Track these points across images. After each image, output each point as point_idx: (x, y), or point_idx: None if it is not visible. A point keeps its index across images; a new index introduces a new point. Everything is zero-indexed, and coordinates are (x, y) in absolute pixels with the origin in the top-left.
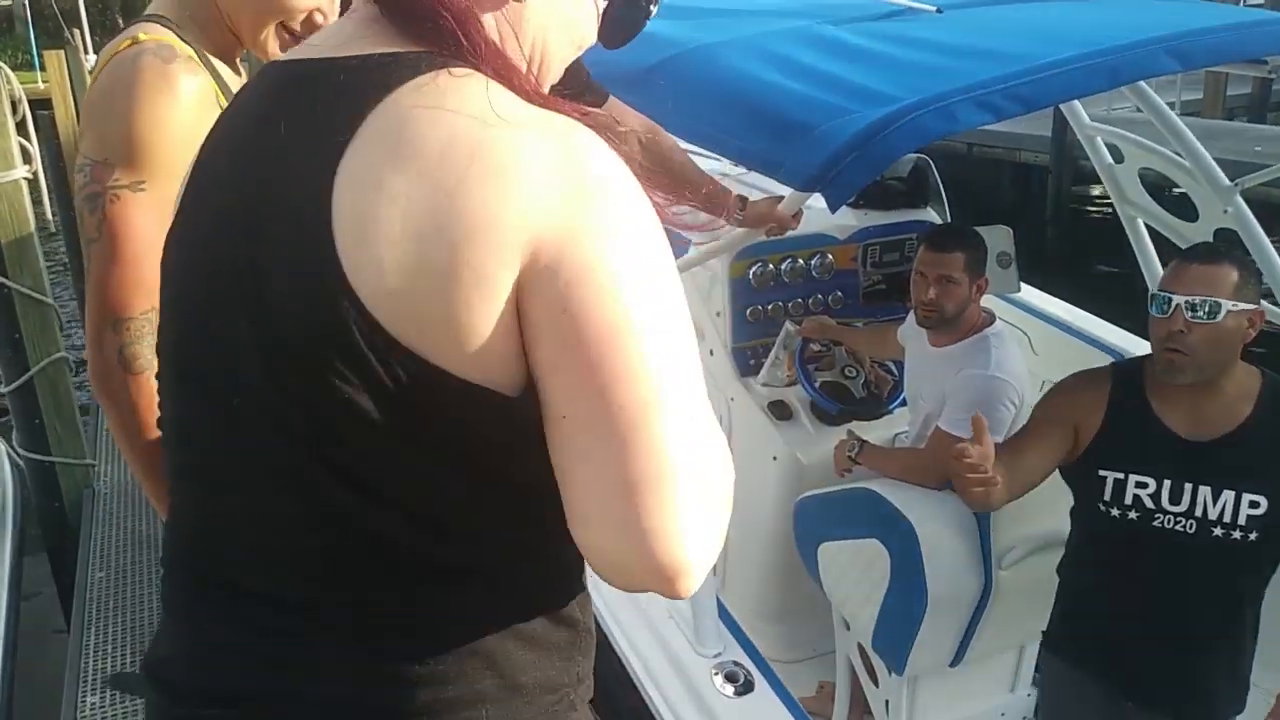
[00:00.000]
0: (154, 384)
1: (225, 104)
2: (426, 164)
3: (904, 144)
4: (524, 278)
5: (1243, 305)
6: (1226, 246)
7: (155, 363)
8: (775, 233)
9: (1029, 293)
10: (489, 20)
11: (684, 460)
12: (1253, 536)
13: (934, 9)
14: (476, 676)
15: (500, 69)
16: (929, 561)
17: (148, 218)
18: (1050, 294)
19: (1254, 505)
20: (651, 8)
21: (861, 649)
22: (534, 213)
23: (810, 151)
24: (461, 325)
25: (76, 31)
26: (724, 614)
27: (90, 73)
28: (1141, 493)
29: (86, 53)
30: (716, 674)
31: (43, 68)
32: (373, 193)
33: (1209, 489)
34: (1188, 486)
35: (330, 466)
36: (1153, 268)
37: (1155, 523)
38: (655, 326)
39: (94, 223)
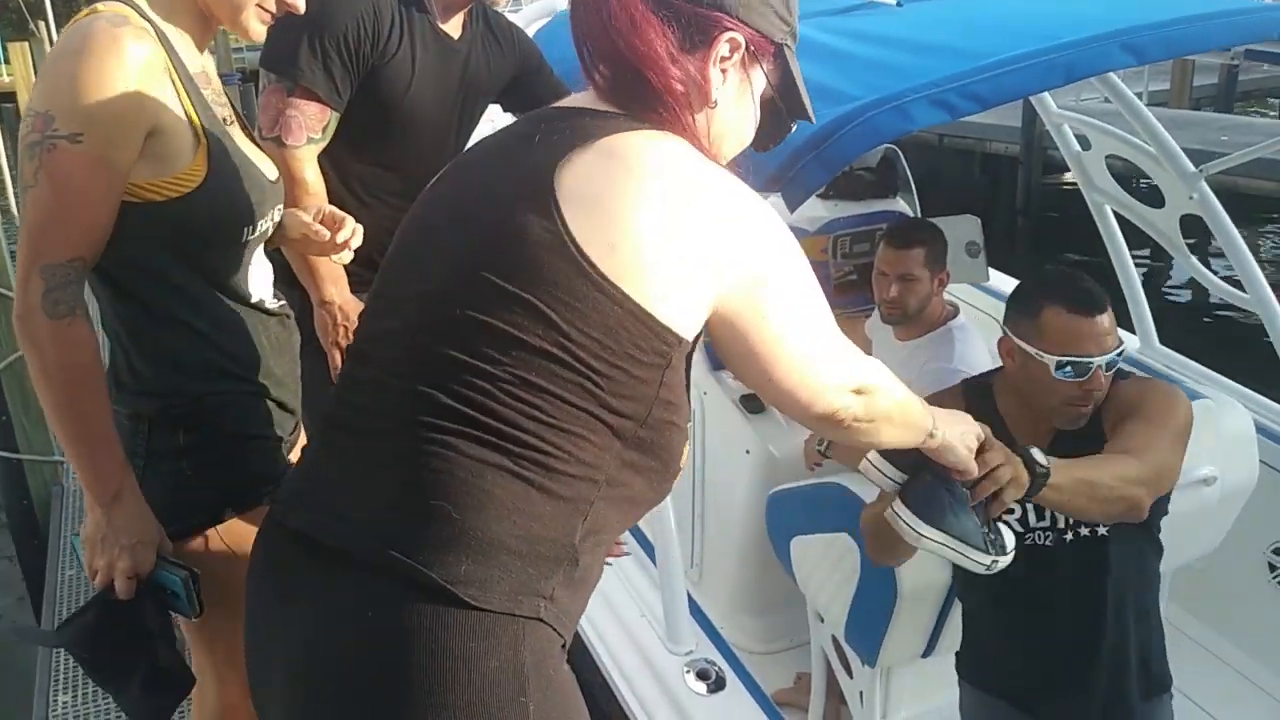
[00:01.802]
0: (74, 331)
1: (175, 76)
2: (640, 167)
3: (860, 144)
4: (707, 270)
5: None
6: (1090, 280)
7: (79, 311)
8: None
9: (1001, 280)
10: (697, 115)
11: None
12: (1104, 530)
13: (893, 2)
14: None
15: (697, 145)
16: None
17: (82, 168)
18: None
19: None
20: (792, 126)
21: (835, 641)
22: (719, 224)
23: (766, 152)
24: (664, 279)
25: (41, 23)
26: (697, 611)
27: None
28: (1009, 519)
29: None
30: (689, 672)
31: (7, 60)
32: (592, 176)
33: None
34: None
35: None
36: (1121, 254)
37: (1027, 541)
38: (802, 313)
39: (31, 169)
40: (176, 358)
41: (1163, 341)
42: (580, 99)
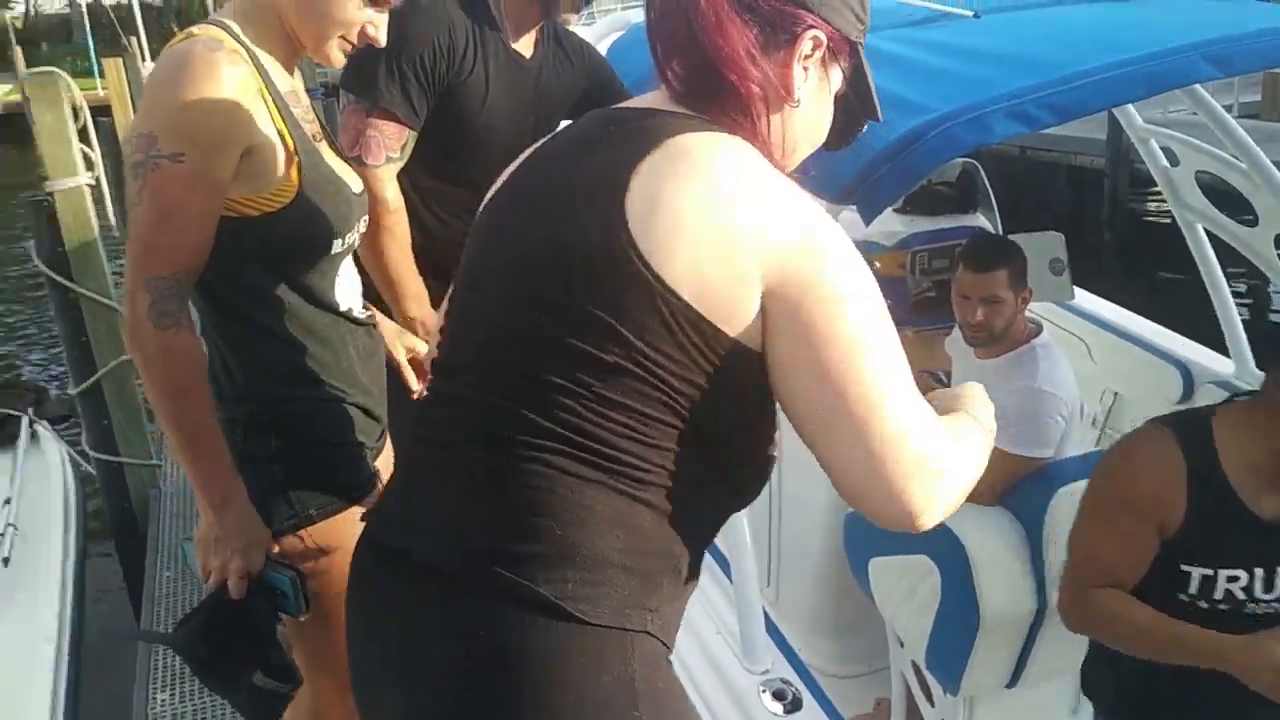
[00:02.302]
0: (179, 341)
1: (268, 97)
2: (708, 173)
3: (937, 156)
4: (771, 283)
5: None
6: None
7: (183, 322)
8: None
9: (1087, 299)
10: (772, 117)
11: (901, 434)
12: None
13: (970, 13)
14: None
15: (767, 151)
16: (980, 579)
17: (184, 186)
18: (1109, 299)
19: None
20: (865, 122)
21: (916, 667)
22: (786, 234)
23: (842, 163)
24: (726, 293)
25: (133, 39)
26: (774, 629)
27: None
28: (1233, 586)
29: (143, 60)
30: (764, 691)
31: (101, 74)
32: (660, 182)
33: None
34: None
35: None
36: (1213, 274)
37: (1247, 610)
38: (871, 340)
39: (136, 188)
40: (268, 365)
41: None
42: (650, 99)
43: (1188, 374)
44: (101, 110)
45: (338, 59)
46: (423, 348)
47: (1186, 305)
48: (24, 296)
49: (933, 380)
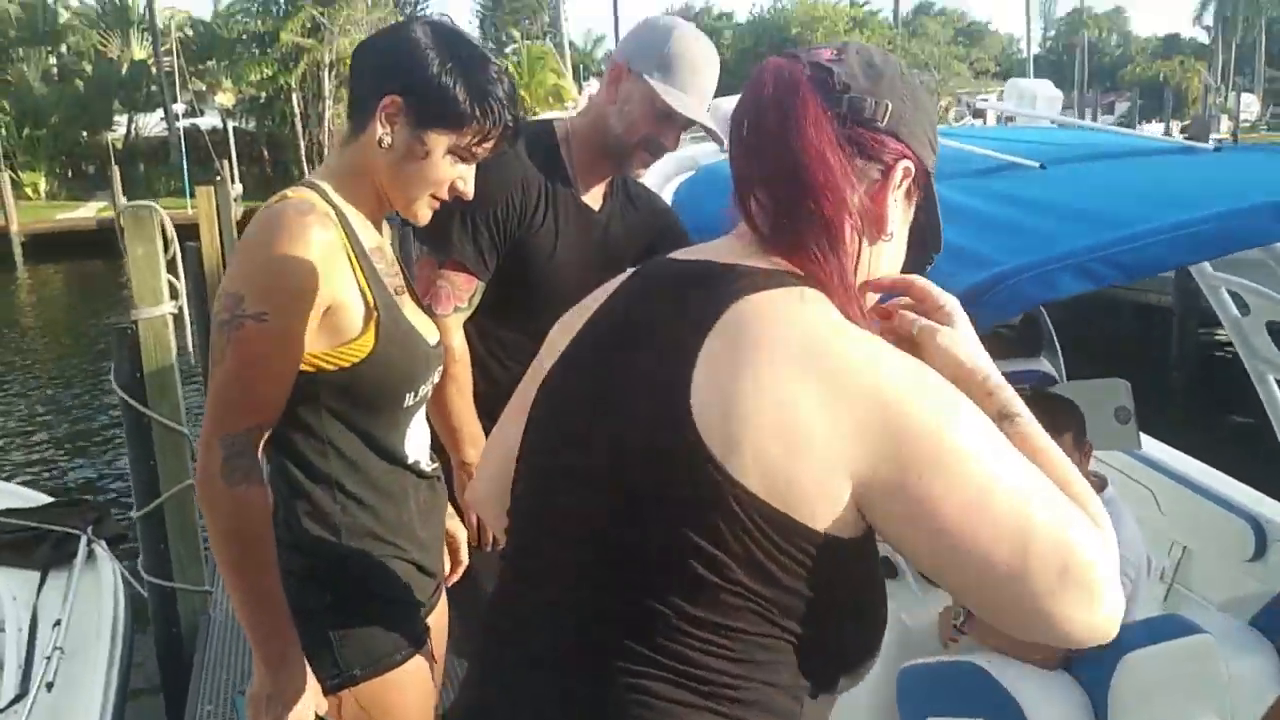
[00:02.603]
0: (248, 496)
1: (353, 256)
2: (771, 358)
3: (1003, 311)
4: (865, 466)
5: None
6: None
7: (254, 477)
8: None
9: (1154, 447)
10: (861, 252)
11: (1040, 554)
12: None
13: (1036, 164)
14: None
15: (845, 300)
16: None
17: (266, 345)
18: (1177, 445)
19: None
20: (934, 257)
21: None
22: (873, 415)
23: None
24: (802, 484)
25: (225, 161)
26: None
27: (235, 200)
28: None
29: (233, 181)
30: None
31: (193, 195)
32: (725, 378)
33: None
34: None
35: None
36: None
37: None
38: (987, 472)
39: (220, 345)
40: (328, 518)
41: None
42: (719, 246)
43: (1260, 529)
44: (190, 230)
45: (425, 216)
46: (463, 533)
47: (1259, 452)
48: (97, 418)
49: None
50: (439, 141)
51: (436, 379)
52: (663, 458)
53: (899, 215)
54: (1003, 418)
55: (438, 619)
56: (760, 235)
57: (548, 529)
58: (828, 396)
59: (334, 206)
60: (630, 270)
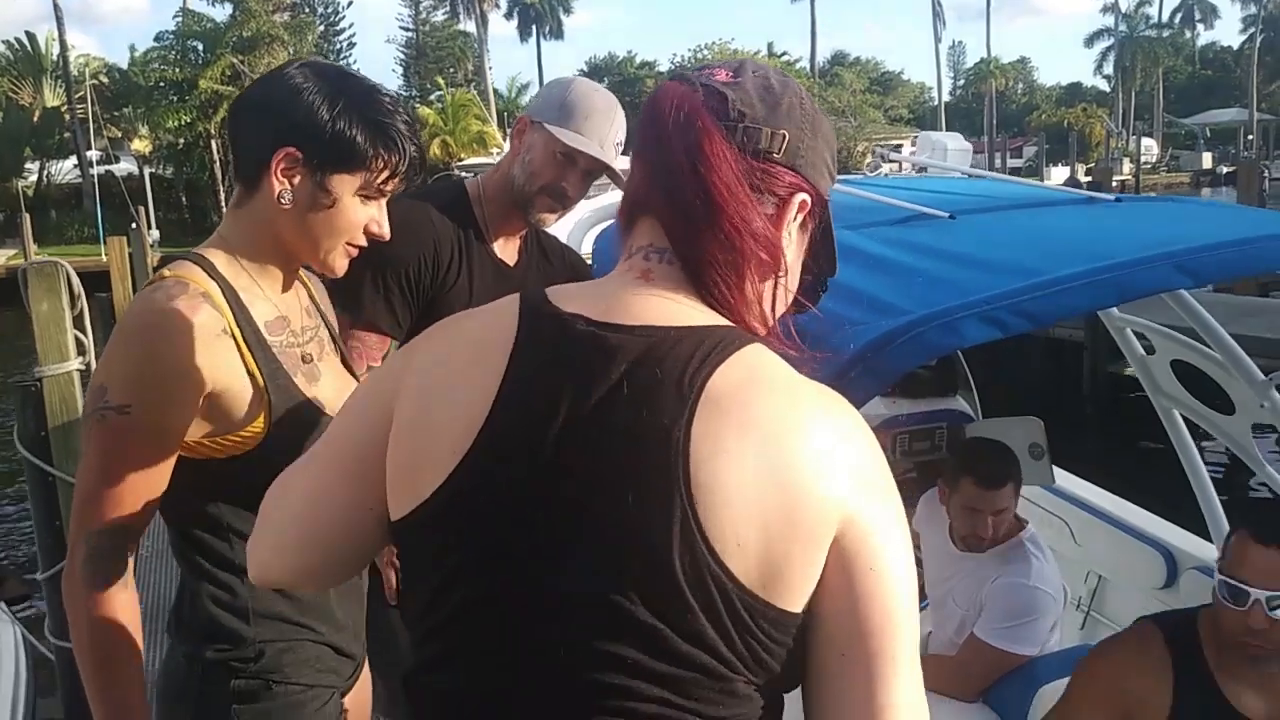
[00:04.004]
0: (111, 602)
1: (238, 336)
2: (765, 434)
3: (910, 359)
4: (837, 540)
5: None
6: None
7: (115, 581)
8: None
9: (1068, 480)
10: (760, 286)
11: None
12: None
13: (946, 214)
14: None
15: (767, 335)
16: None
17: (129, 439)
18: (1091, 477)
19: None
20: (827, 284)
21: None
22: (849, 489)
23: (818, 362)
24: (792, 572)
25: (141, 209)
26: None
27: (152, 247)
28: None
29: (150, 228)
30: None
31: (106, 242)
32: (721, 458)
33: None
34: None
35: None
36: (1192, 460)
37: None
38: (913, 593)
39: (85, 439)
40: (236, 602)
41: None
42: (628, 291)
43: (1171, 559)
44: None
45: (342, 266)
46: None
47: (1169, 483)
48: (2, 479)
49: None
50: (345, 185)
51: None
52: (666, 557)
53: (794, 249)
54: None
55: (357, 695)
56: (661, 269)
57: (516, 606)
58: (822, 486)
59: (220, 279)
60: (521, 309)
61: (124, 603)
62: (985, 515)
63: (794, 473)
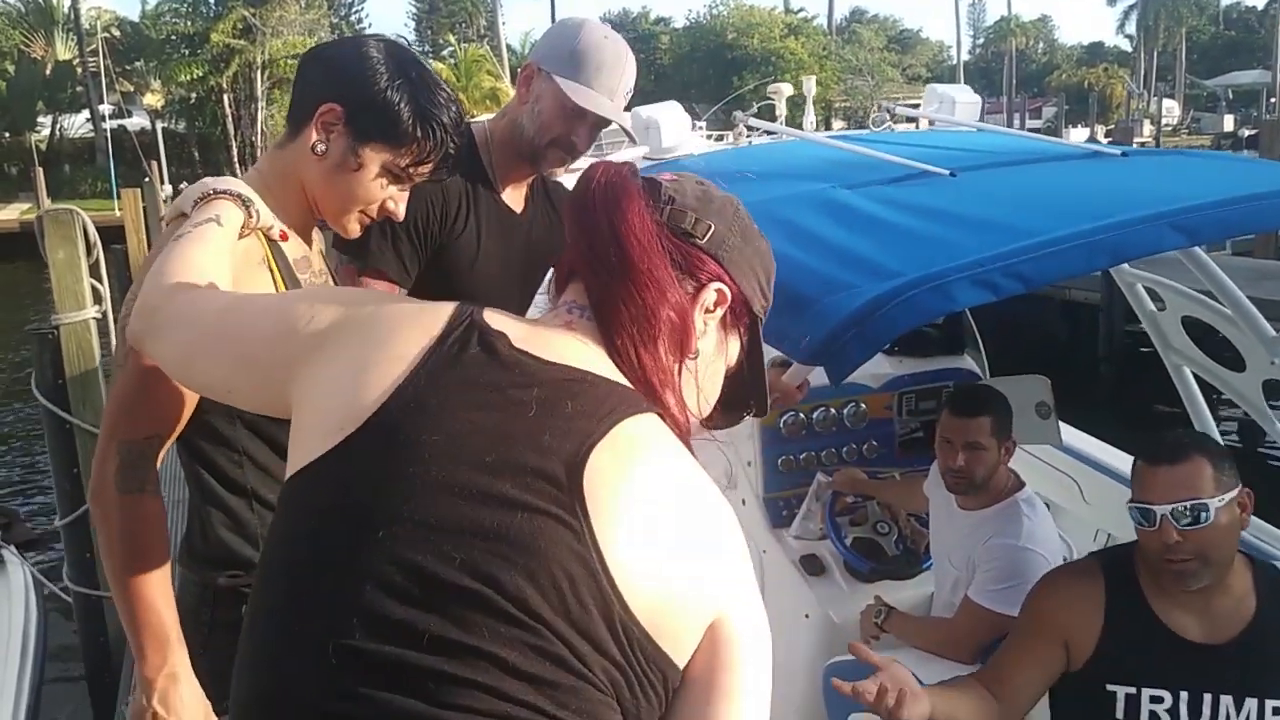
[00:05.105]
0: (141, 506)
1: (273, 265)
2: (658, 508)
3: (901, 323)
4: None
5: (1228, 496)
6: (1190, 436)
7: (149, 488)
8: (783, 403)
9: (1077, 437)
10: (670, 362)
11: None
12: None
13: (947, 172)
14: None
15: (679, 419)
16: None
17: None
18: (1105, 437)
19: (1278, 712)
20: (749, 410)
21: None
22: (726, 581)
23: (811, 326)
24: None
25: (154, 163)
26: None
27: (164, 202)
28: (1158, 708)
29: (162, 183)
30: None
31: (119, 196)
32: (622, 485)
33: (1230, 699)
34: (1207, 697)
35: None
36: (1202, 416)
37: None
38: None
39: (123, 351)
40: (245, 528)
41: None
42: (555, 329)
43: None
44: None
45: (355, 231)
46: None
47: None
48: (20, 424)
49: (918, 525)
50: (374, 157)
51: None
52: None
53: (711, 342)
54: None
55: None
56: (582, 324)
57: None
58: (715, 560)
59: (256, 214)
60: (454, 311)
61: (154, 507)
62: (956, 446)
63: (678, 558)
